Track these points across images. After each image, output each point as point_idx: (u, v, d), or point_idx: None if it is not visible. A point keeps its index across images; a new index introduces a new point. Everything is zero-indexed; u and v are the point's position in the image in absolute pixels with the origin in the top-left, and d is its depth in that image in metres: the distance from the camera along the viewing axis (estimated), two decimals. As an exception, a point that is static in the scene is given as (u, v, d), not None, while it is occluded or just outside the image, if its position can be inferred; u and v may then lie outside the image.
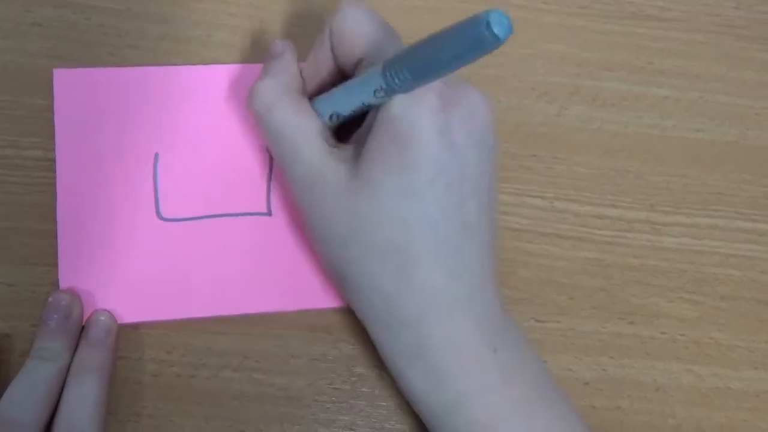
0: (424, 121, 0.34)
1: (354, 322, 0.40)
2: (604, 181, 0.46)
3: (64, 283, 0.40)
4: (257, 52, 0.45)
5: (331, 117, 0.38)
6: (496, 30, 0.29)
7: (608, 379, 0.44)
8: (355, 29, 0.37)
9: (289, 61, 0.39)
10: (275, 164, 0.42)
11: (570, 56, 0.48)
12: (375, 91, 0.35)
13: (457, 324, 0.35)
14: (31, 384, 0.37)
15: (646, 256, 0.46)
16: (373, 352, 0.40)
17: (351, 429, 0.41)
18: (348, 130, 0.39)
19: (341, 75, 0.39)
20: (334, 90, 0.38)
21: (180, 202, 0.42)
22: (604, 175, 0.46)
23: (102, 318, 0.39)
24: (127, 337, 0.40)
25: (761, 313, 0.46)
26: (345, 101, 0.37)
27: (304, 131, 0.37)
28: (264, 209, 0.42)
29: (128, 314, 0.40)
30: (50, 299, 0.39)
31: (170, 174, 0.42)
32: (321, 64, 0.39)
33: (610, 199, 0.46)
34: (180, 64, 0.43)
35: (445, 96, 0.35)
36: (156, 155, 0.42)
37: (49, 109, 0.42)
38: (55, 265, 0.40)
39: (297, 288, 0.42)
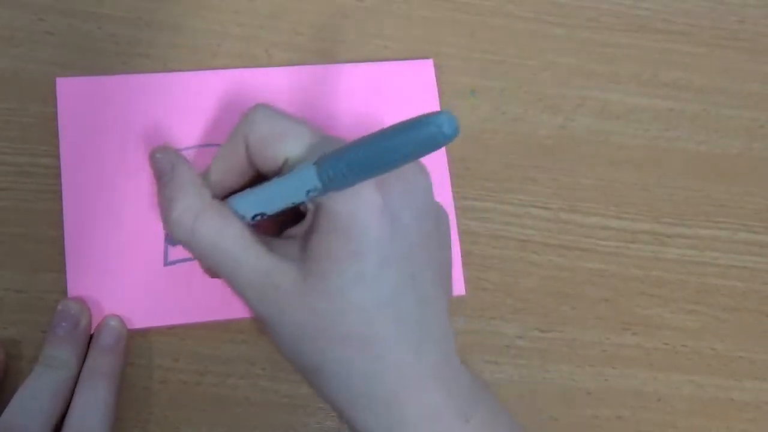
0: (362, 210, 0.34)
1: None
2: (609, 192, 0.47)
3: (71, 290, 0.40)
4: (265, 60, 0.45)
5: (254, 217, 0.37)
6: (446, 130, 0.30)
7: (610, 389, 0.44)
8: (274, 134, 0.37)
9: (185, 173, 0.38)
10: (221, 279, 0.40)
11: (576, 68, 0.48)
12: (308, 192, 0.34)
13: (430, 396, 0.36)
14: (38, 391, 0.37)
15: (650, 267, 0.46)
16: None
17: (355, 437, 0.41)
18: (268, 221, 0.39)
19: (256, 175, 0.39)
20: (256, 190, 0.37)
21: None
22: (608, 187, 0.47)
23: (112, 323, 0.40)
24: (135, 344, 0.41)
25: (763, 324, 0.46)
26: (272, 202, 0.36)
27: (238, 239, 0.36)
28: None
29: (136, 320, 0.41)
30: (59, 307, 0.39)
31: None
32: (234, 170, 0.38)
33: (615, 210, 0.47)
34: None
35: (380, 177, 0.35)
36: (161, 161, 0.42)
37: (58, 117, 0.42)
38: (64, 272, 0.40)
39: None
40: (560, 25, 0.49)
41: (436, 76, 0.46)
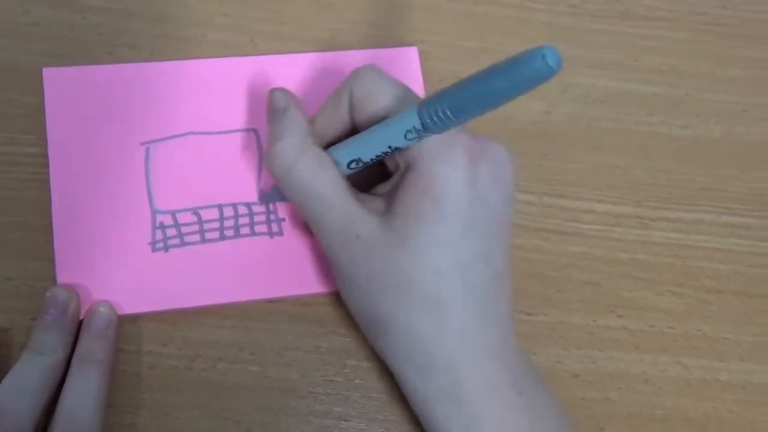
0: (454, 177, 0.36)
1: (346, 315, 0.41)
2: (593, 176, 0.47)
3: (61, 278, 0.41)
4: (250, 49, 0.45)
5: (350, 165, 0.38)
6: (550, 62, 0.29)
7: (597, 372, 0.44)
8: (378, 90, 0.38)
9: (296, 115, 0.39)
10: (305, 221, 0.42)
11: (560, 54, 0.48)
12: (407, 132, 0.35)
13: (490, 367, 0.37)
14: (26, 377, 0.38)
15: (634, 250, 0.46)
16: (366, 345, 0.41)
17: (345, 420, 0.42)
18: (360, 179, 0.40)
19: (354, 130, 0.40)
20: (354, 138, 0.38)
21: (173, 194, 0.43)
22: (592, 171, 0.47)
23: (102, 309, 0.40)
24: (125, 329, 0.41)
25: (747, 306, 0.47)
26: (368, 147, 0.37)
27: (331, 184, 0.38)
28: (255, 198, 0.43)
29: (125, 306, 0.41)
30: (47, 294, 0.39)
31: (162, 167, 0.43)
32: (335, 121, 0.40)
33: (598, 194, 0.47)
34: (175, 62, 0.44)
35: (473, 151, 0.37)
36: (147, 149, 0.43)
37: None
38: (53, 259, 0.41)
39: (291, 274, 0.42)
40: (544, 12, 0.49)
41: (420, 63, 0.46)
